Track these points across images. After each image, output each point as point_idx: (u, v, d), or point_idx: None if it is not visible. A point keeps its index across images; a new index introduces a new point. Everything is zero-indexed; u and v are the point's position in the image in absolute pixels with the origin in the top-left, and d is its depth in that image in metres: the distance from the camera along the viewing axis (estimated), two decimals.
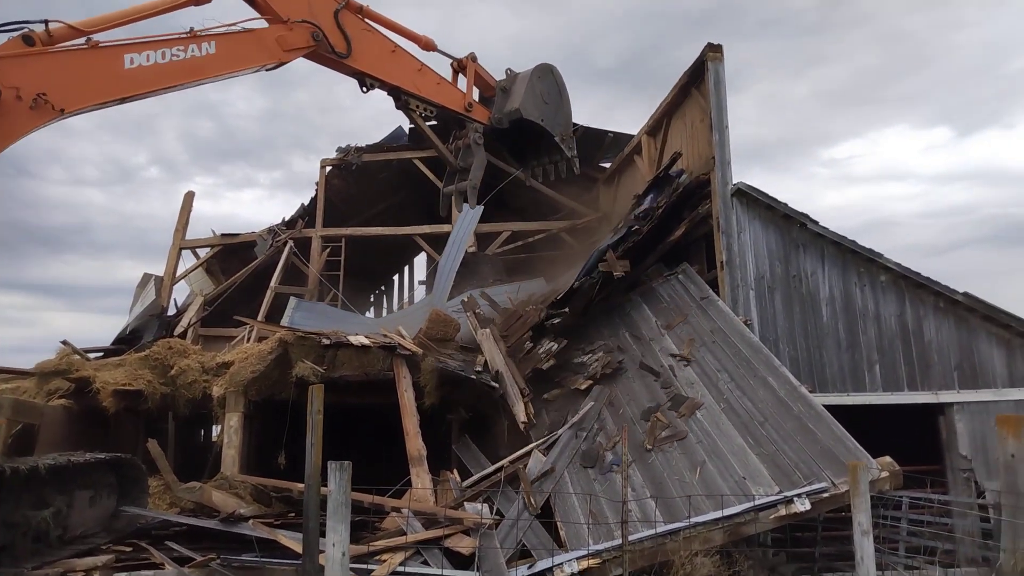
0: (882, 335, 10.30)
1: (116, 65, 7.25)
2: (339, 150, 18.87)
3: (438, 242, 17.28)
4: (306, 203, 19.38)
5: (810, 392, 8.69)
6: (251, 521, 7.65)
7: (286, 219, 18.94)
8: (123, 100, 7.49)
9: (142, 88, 7.47)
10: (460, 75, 10.26)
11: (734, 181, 10.30)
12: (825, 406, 8.28)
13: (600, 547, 7.00)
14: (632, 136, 15.09)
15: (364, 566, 6.74)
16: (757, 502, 7.05)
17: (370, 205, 20.68)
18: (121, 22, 7.60)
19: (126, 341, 16.93)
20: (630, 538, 7.00)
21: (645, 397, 9.32)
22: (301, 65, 8.99)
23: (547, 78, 10.41)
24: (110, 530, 8.32)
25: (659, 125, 13.01)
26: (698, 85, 11.21)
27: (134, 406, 11.11)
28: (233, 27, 8.21)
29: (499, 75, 10.49)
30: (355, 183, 19.49)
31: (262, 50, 8.35)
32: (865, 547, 5.06)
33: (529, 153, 11.06)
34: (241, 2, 8.48)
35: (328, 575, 4.29)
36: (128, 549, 7.64)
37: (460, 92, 10.11)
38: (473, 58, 10.20)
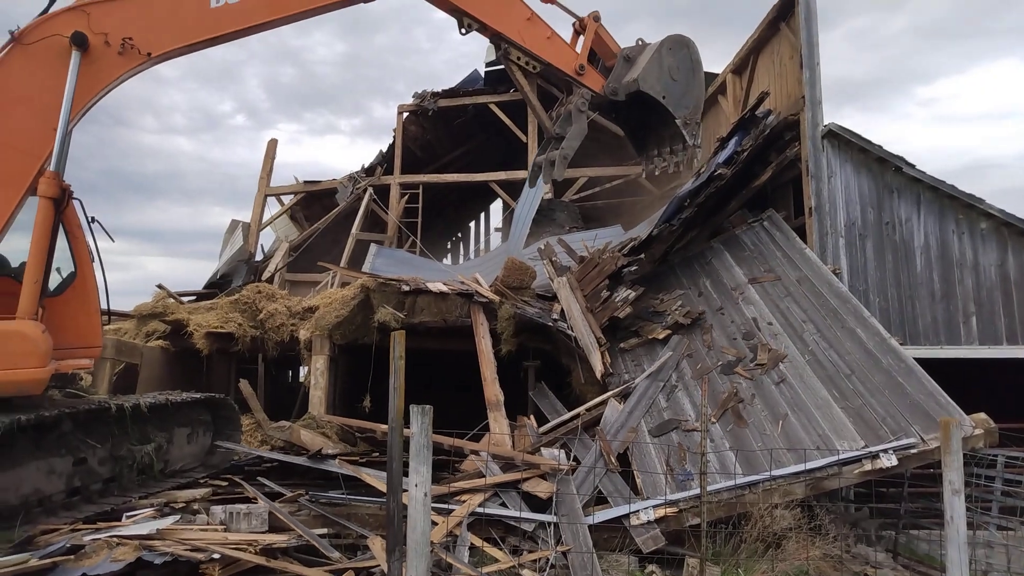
0: (980, 286, 9.75)
1: (202, 4, 7.19)
2: (415, 96, 18.90)
3: (514, 188, 17.23)
4: (384, 150, 19.59)
5: (901, 345, 8.35)
6: (337, 459, 7.97)
7: (365, 166, 19.21)
8: (212, 42, 7.45)
9: (229, 27, 7.37)
10: (581, 37, 9.35)
11: (825, 122, 9.79)
12: (917, 359, 7.94)
13: (677, 496, 7.00)
14: (715, 75, 14.49)
15: (445, 505, 6.95)
16: (841, 456, 6.88)
17: (447, 151, 20.75)
18: None
19: (217, 285, 17.71)
20: (708, 489, 6.98)
21: (727, 348, 9.14)
22: (379, 7, 8.64)
23: (680, 52, 9.37)
24: (207, 465, 8.83)
25: (745, 63, 12.43)
26: (787, 20, 10.62)
27: (226, 348, 11.64)
28: None
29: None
30: (432, 129, 19.54)
31: None
32: (956, 506, 4.87)
33: (650, 136, 10.01)
34: None
35: (411, 513, 4.44)
36: (223, 483, 8.11)
37: (573, 52, 9.23)
38: (596, 17, 9.33)
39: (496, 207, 24.05)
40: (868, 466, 6.85)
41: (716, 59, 13.22)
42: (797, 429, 7.52)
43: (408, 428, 4.91)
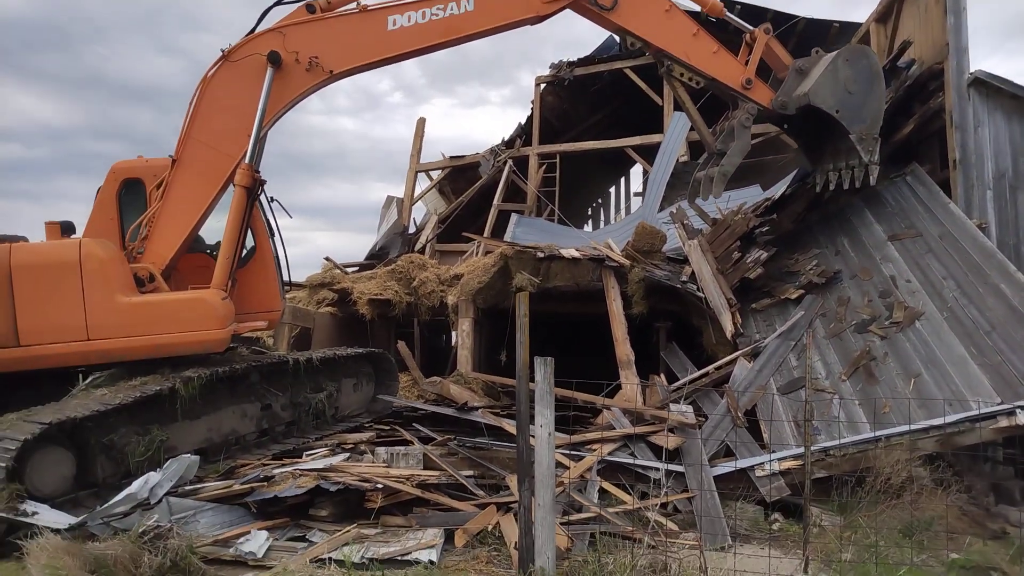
0: None
1: (380, 27, 7.99)
2: (552, 66, 19.34)
3: (650, 152, 17.34)
4: (523, 122, 20.24)
5: None
6: (481, 411, 8.81)
7: (505, 139, 19.97)
8: (386, 61, 8.24)
9: (402, 48, 8.07)
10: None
11: (973, 69, 9.28)
12: None
13: (801, 450, 7.19)
14: (859, 25, 13.84)
15: (578, 453, 7.60)
16: (974, 412, 6.79)
17: (583, 119, 21.08)
18: None
19: (376, 256, 19.23)
20: (836, 443, 7.14)
21: (862, 307, 9.05)
22: None
23: (858, 63, 8.84)
24: (370, 412, 9.98)
25: (889, 11, 11.83)
26: None
27: (385, 313, 12.84)
28: None
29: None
30: (568, 98, 19.94)
31: (521, 3, 8.28)
32: None
33: (825, 149, 9.59)
34: None
35: (537, 451, 5.06)
36: (385, 428, 9.20)
37: (739, 66, 8.97)
38: (767, 31, 9.09)
39: (636, 171, 24.10)
40: (1004, 423, 6.71)
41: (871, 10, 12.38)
42: (930, 386, 7.46)
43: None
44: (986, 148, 9.21)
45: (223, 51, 7.88)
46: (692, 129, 15.80)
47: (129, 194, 8.19)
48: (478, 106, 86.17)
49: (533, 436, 5.18)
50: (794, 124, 9.73)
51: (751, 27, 9.23)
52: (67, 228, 7.98)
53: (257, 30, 8.04)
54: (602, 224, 27.15)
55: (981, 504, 7.17)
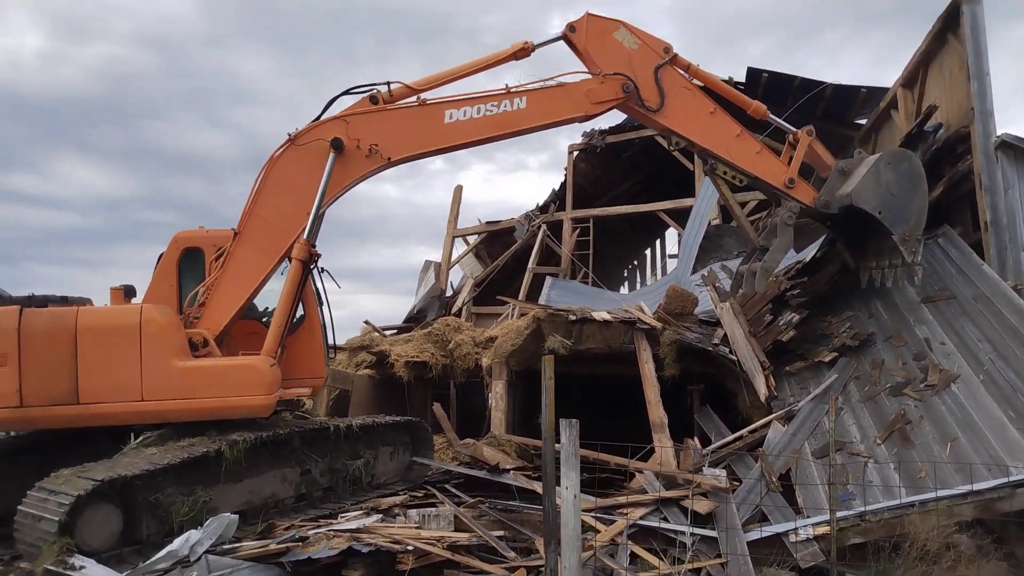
0: None
1: (438, 120, 8.41)
2: (584, 135, 19.88)
3: (682, 216, 17.56)
4: (556, 188, 20.73)
5: None
6: (513, 473, 8.89)
7: (539, 204, 20.44)
8: (440, 151, 8.69)
9: (456, 140, 8.49)
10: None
11: (999, 132, 9.39)
12: None
13: (837, 515, 7.11)
14: (887, 90, 14.08)
15: (610, 516, 7.60)
16: (1013, 477, 6.67)
17: (616, 184, 21.48)
18: (449, 79, 8.69)
19: (413, 319, 19.61)
20: (869, 508, 7.05)
21: (896, 370, 9.00)
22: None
23: (900, 166, 8.97)
24: (405, 479, 10.11)
25: (915, 76, 12.06)
26: (954, 30, 10.28)
27: (422, 375, 13.05)
28: (547, 82, 8.61)
29: None
30: (601, 165, 20.40)
31: (571, 104, 8.61)
32: None
33: (868, 246, 9.69)
34: (557, 54, 8.89)
35: (563, 513, 5.16)
36: (419, 494, 9.31)
37: (782, 166, 9.16)
38: (810, 132, 9.30)
39: (672, 234, 24.33)
40: None
41: None
42: (967, 450, 7.35)
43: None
44: (1017, 210, 9.25)
45: (290, 135, 8.33)
46: None
47: (189, 262, 8.61)
48: (517, 171, 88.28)
49: (560, 498, 5.28)
50: (837, 222, 9.82)
51: (794, 128, 9.41)
52: (129, 292, 8.46)
53: (322, 117, 8.47)
54: (638, 286, 27.28)
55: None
